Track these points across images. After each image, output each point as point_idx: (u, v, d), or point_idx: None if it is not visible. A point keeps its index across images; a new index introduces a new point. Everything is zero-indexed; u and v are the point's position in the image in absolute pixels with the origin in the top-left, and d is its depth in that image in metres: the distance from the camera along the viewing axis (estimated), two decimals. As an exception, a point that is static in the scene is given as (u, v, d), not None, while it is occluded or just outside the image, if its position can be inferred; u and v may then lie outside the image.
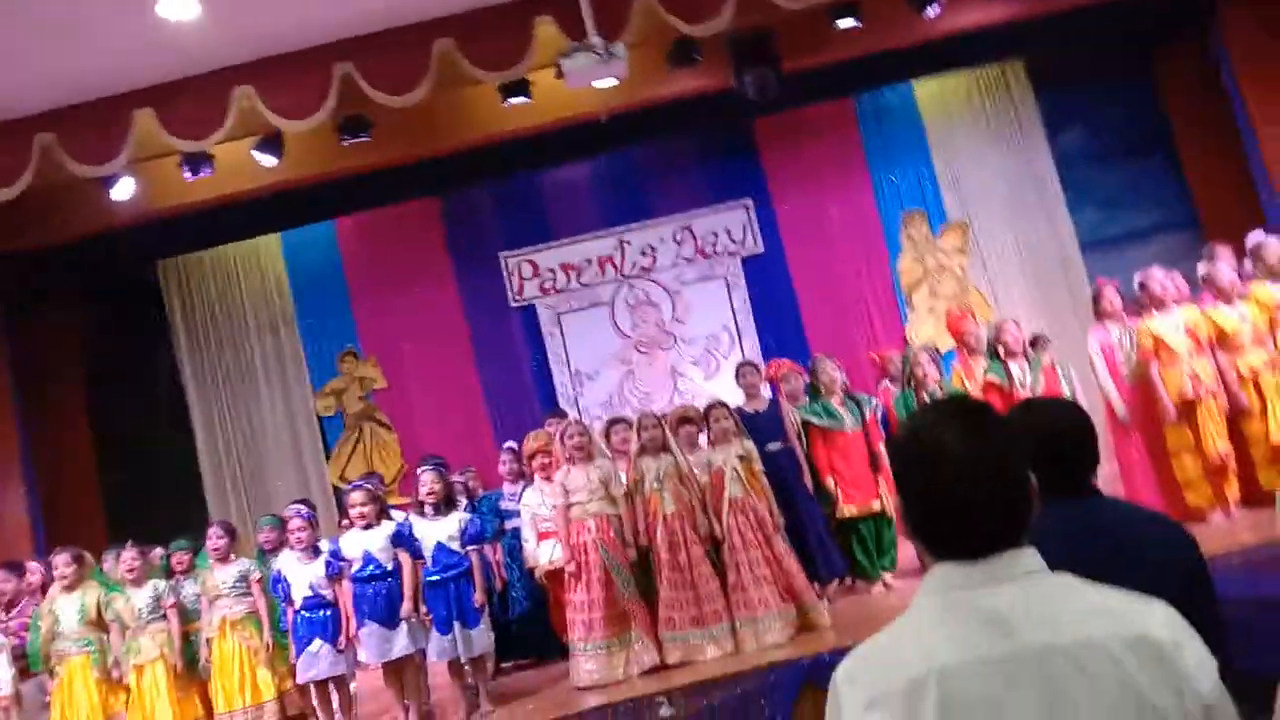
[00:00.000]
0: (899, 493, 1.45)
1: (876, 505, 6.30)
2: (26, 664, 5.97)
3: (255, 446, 9.72)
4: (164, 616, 5.96)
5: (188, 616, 6.12)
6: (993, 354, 6.51)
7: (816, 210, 9.88)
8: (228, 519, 7.42)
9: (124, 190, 7.43)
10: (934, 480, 1.38)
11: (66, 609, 5.91)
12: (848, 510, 6.30)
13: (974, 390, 6.24)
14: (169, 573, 6.31)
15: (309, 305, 9.88)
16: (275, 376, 9.82)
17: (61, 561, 5.97)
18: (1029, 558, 1.37)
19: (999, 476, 1.37)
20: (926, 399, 6.22)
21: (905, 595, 5.65)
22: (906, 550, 6.52)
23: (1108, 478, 6.16)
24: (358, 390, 9.83)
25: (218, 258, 9.88)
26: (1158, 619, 1.32)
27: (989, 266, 9.81)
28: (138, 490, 9.24)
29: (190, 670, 6.00)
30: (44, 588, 6.26)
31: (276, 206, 8.65)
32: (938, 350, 7.36)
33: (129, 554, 6.04)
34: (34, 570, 6.52)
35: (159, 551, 6.58)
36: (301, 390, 9.83)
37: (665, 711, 4.23)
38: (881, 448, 6.35)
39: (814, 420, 6.41)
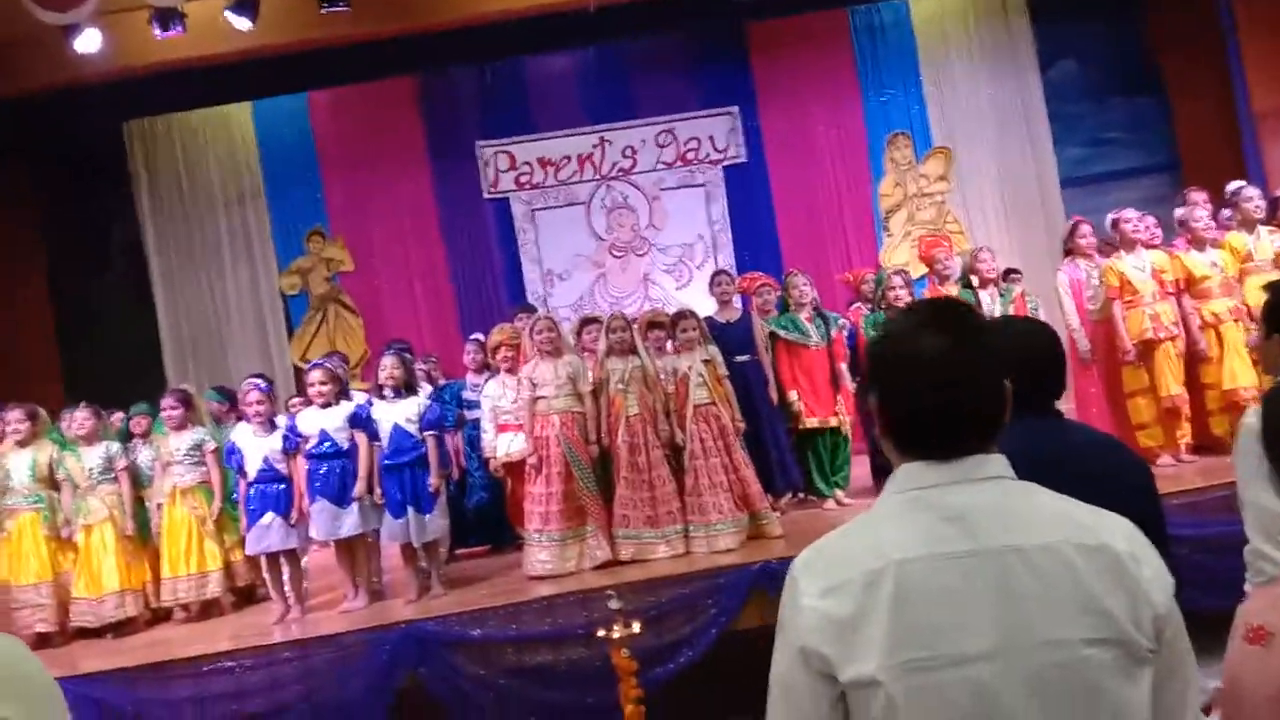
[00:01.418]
0: (876, 391, 1.43)
1: (834, 421, 6.38)
2: (-23, 516, 5.93)
3: (218, 320, 9.59)
4: (115, 479, 5.93)
5: (141, 482, 6.10)
6: (965, 282, 6.54)
7: (803, 124, 9.74)
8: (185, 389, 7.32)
9: (89, 42, 7.11)
10: (914, 379, 1.36)
11: (18, 464, 5.86)
12: (809, 423, 6.37)
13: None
14: (128, 437, 6.27)
15: (278, 179, 9.64)
16: (241, 250, 9.64)
17: (15, 417, 5.89)
18: (998, 463, 1.37)
19: (978, 380, 1.36)
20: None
21: (856, 511, 5.72)
22: (859, 469, 6.65)
23: (1065, 414, 6.25)
24: (324, 271, 9.66)
25: (186, 123, 9.58)
26: (1119, 531, 1.33)
27: (968, 195, 9.74)
28: (97, 358, 9.10)
29: (142, 535, 6.01)
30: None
31: (248, 73, 8.39)
32: (909, 275, 7.37)
33: (82, 413, 5.97)
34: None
35: (119, 415, 6.54)
36: (267, 266, 9.66)
37: (614, 604, 4.29)
38: (843, 366, 6.42)
39: (781, 333, 6.44)
